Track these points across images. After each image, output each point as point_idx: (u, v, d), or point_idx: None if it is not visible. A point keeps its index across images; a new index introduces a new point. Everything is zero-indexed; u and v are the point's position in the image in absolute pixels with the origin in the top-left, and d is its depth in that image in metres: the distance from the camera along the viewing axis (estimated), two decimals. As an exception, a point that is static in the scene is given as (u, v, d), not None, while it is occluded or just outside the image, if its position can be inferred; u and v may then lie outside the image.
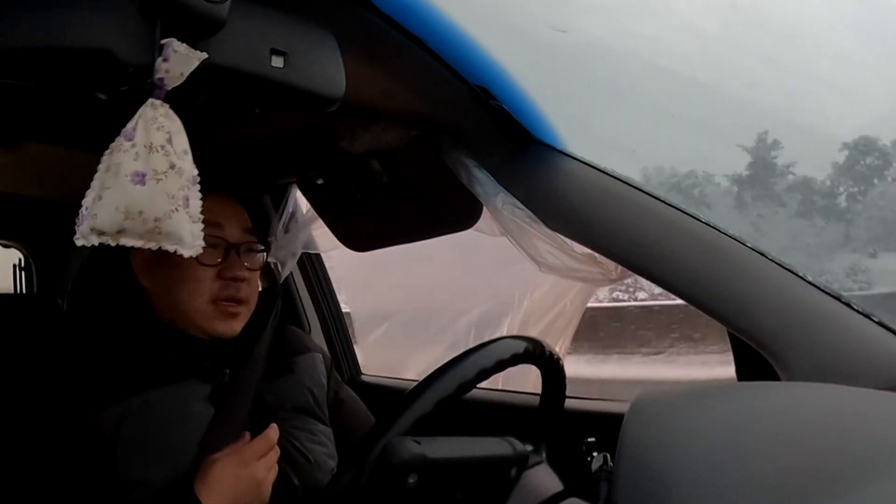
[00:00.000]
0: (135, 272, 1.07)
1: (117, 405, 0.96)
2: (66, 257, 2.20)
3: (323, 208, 1.49)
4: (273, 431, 0.98)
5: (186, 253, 0.71)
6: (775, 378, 0.79)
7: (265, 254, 1.14)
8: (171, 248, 0.69)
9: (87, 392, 0.96)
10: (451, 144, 1.10)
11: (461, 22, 0.89)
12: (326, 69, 0.73)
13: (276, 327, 1.21)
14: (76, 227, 0.65)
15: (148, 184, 0.65)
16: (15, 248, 2.28)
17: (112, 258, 1.04)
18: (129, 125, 0.65)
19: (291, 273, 1.79)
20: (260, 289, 1.16)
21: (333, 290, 1.89)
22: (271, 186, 1.64)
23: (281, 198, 1.59)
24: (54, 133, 1.21)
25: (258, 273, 1.12)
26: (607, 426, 0.86)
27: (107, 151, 0.65)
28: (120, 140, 0.64)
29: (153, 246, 0.68)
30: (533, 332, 1.06)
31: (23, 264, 2.27)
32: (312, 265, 1.87)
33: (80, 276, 1.20)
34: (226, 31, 0.64)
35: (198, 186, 0.70)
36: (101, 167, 0.65)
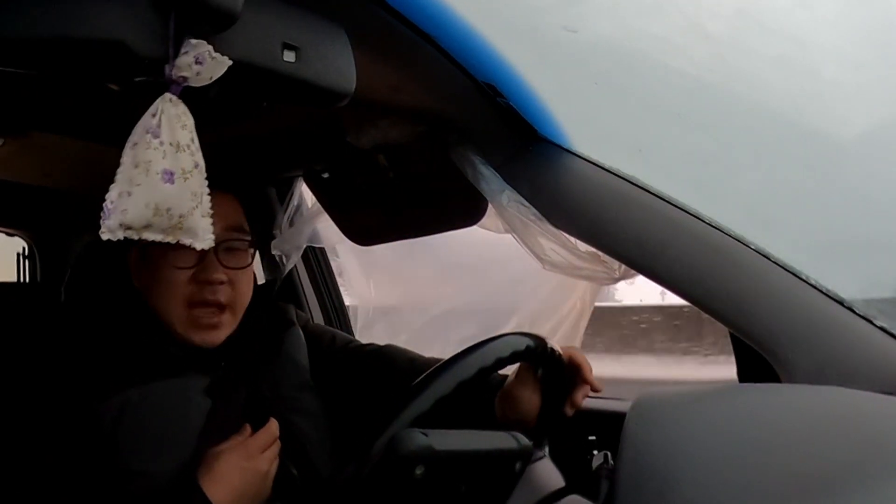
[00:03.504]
0: (131, 273, 1.07)
1: (117, 397, 0.96)
2: (70, 247, 2.21)
3: (328, 202, 1.49)
4: (274, 424, 0.99)
5: (199, 246, 0.72)
6: (776, 380, 0.79)
7: (253, 249, 1.10)
8: (187, 241, 0.71)
9: (87, 383, 0.97)
10: (457, 141, 1.10)
11: (470, 19, 0.89)
12: (338, 64, 0.73)
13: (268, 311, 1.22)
14: (102, 222, 0.65)
15: (176, 182, 0.66)
16: (19, 236, 2.28)
17: (108, 254, 1.04)
18: (153, 122, 0.65)
19: (295, 266, 1.79)
20: (263, 281, 1.16)
21: (337, 283, 1.89)
22: (277, 180, 1.64)
23: (286, 191, 1.60)
24: (61, 123, 1.22)
25: (245, 272, 1.08)
26: (607, 424, 0.86)
27: (128, 145, 0.66)
28: (147, 136, 0.65)
29: (172, 240, 0.69)
30: (541, 331, 1.06)
31: (26, 253, 2.28)
32: (316, 258, 1.87)
33: (77, 268, 1.20)
34: (239, 24, 0.64)
35: (206, 182, 0.71)
36: (125, 161, 0.65)
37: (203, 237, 0.72)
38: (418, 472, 0.73)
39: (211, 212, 0.72)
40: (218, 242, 0.97)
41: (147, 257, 1.04)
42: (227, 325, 1.05)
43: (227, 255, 1.04)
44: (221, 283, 1.02)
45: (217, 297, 1.02)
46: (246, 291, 1.08)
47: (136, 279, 1.07)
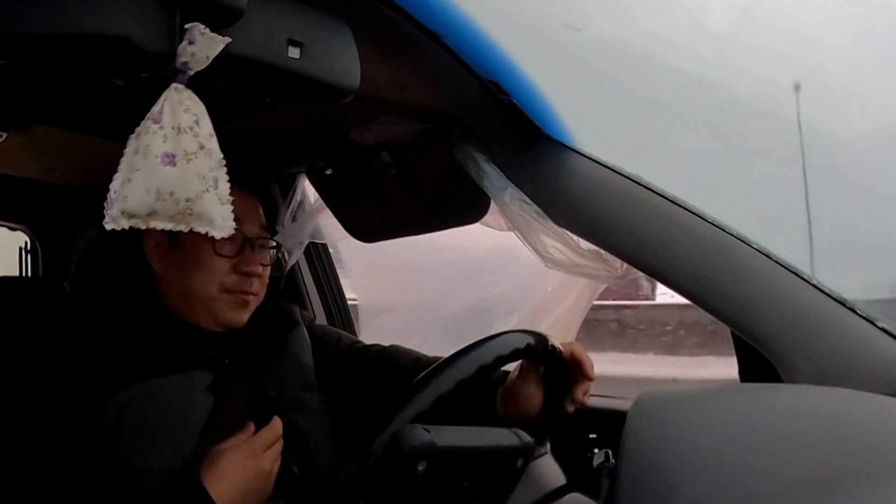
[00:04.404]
0: (147, 256, 1.07)
1: (120, 392, 0.96)
2: (73, 241, 2.21)
3: (331, 198, 1.49)
4: (278, 423, 0.99)
5: (218, 234, 0.70)
6: (777, 380, 0.79)
7: (276, 250, 1.16)
8: (202, 229, 0.68)
9: (89, 378, 0.97)
10: (460, 138, 1.10)
11: (475, 17, 0.89)
12: (342, 61, 0.74)
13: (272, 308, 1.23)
14: (105, 212, 0.64)
15: (178, 164, 0.64)
16: (21, 230, 2.28)
17: (122, 241, 1.05)
18: (155, 109, 0.65)
19: (298, 263, 1.79)
20: None
21: (339, 280, 1.90)
22: (280, 175, 1.64)
23: (289, 187, 1.60)
24: (65, 117, 1.22)
25: (269, 268, 1.14)
26: (609, 423, 0.87)
27: (132, 135, 0.65)
28: (147, 123, 0.64)
29: (184, 228, 0.67)
30: (540, 329, 1.06)
31: (29, 247, 2.27)
32: (319, 255, 1.88)
33: (84, 259, 1.20)
34: (244, 20, 0.64)
35: (225, 169, 0.69)
36: (128, 150, 0.65)
37: (221, 225, 0.69)
38: (420, 467, 0.74)
39: (230, 199, 0.71)
40: (256, 238, 1.08)
41: (179, 241, 1.05)
42: (251, 308, 1.10)
43: (261, 251, 1.10)
44: (258, 275, 1.08)
45: (253, 289, 1.08)
46: (266, 285, 1.13)
47: (155, 261, 1.07)
